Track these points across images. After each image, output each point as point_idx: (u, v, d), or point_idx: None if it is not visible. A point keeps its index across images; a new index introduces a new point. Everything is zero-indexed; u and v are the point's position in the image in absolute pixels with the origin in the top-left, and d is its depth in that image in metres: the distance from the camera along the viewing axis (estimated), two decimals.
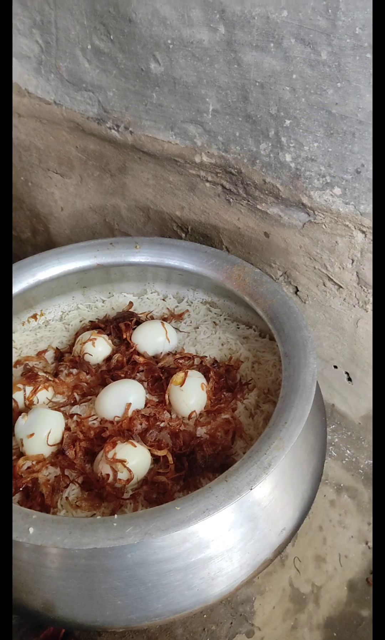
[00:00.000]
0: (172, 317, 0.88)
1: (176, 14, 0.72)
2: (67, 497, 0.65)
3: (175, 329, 0.85)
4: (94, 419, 0.73)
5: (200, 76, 0.75)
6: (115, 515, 0.53)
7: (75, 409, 0.75)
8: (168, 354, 0.81)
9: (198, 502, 0.53)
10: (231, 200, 0.85)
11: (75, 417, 0.73)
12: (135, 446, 0.66)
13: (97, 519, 0.53)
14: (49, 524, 0.53)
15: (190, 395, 0.72)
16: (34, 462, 0.69)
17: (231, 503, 0.53)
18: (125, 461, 0.64)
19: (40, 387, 0.76)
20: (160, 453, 0.67)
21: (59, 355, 0.84)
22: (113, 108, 0.88)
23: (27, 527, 0.52)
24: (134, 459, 0.65)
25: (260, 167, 0.78)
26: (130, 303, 0.90)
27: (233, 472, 0.56)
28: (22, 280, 0.80)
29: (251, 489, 0.54)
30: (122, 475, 0.64)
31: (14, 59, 0.96)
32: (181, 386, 0.72)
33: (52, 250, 0.84)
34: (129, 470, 0.64)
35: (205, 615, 0.73)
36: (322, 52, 0.64)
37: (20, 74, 0.97)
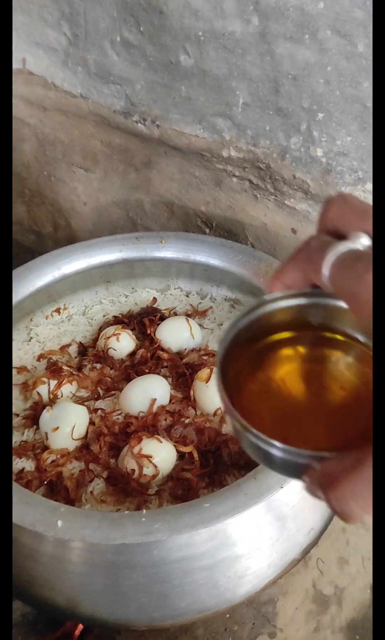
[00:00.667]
0: (195, 314, 0.87)
1: (208, 5, 0.72)
2: (91, 492, 0.65)
3: (199, 325, 0.84)
4: (119, 414, 0.73)
5: (231, 68, 0.75)
6: (144, 511, 0.53)
7: (100, 404, 0.75)
8: (192, 350, 0.81)
9: (227, 499, 0.53)
10: (258, 195, 0.84)
11: (99, 412, 0.73)
12: (160, 442, 0.65)
13: (126, 514, 0.52)
14: (77, 517, 0.52)
15: (216, 392, 0.71)
16: (58, 456, 0.68)
17: (261, 501, 0.52)
18: (151, 457, 0.63)
19: (64, 381, 0.75)
20: (185, 449, 0.66)
21: (83, 350, 0.84)
22: (140, 101, 0.88)
23: (55, 520, 0.52)
24: (160, 455, 0.64)
25: (290, 161, 0.77)
26: (154, 299, 0.89)
27: (262, 470, 0.55)
28: (48, 273, 0.80)
29: (281, 487, 0.53)
30: (148, 471, 0.63)
31: (40, 51, 0.96)
32: (206, 383, 0.71)
33: (78, 244, 0.83)
34: (155, 466, 0.63)
35: (227, 615, 0.72)
36: (359, 44, 0.63)
37: (47, 66, 0.97)
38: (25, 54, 0.98)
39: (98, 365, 0.80)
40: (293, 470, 0.30)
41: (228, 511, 0.51)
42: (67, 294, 0.90)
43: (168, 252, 0.83)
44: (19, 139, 1.14)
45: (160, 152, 0.93)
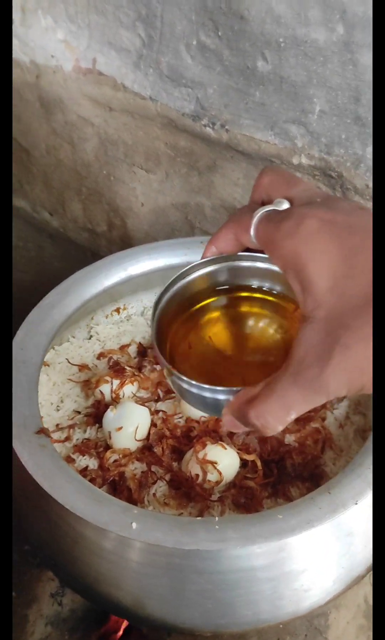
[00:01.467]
0: None
1: (292, 12, 0.71)
2: (154, 494, 0.65)
3: None
4: (180, 417, 0.73)
5: (310, 76, 0.74)
6: (216, 517, 0.53)
7: (160, 406, 0.75)
8: None
9: (300, 512, 0.52)
10: None
11: (160, 414, 0.73)
12: (225, 448, 0.65)
13: (198, 520, 0.53)
14: (150, 519, 0.52)
15: None
16: (120, 456, 0.69)
17: (335, 516, 0.52)
18: (216, 463, 0.63)
19: (126, 381, 0.76)
20: (249, 457, 0.66)
21: (142, 350, 0.84)
22: (211, 105, 0.88)
23: (129, 521, 0.52)
24: (224, 461, 0.64)
25: (364, 171, 0.76)
26: None
27: (336, 484, 0.54)
28: (114, 274, 0.80)
29: (356, 504, 0.53)
30: (212, 476, 0.63)
31: (112, 52, 0.97)
32: None
33: (143, 246, 0.84)
34: (219, 472, 0.63)
35: (280, 626, 0.72)
36: None
37: (118, 67, 0.98)
38: (96, 54, 0.99)
39: (157, 367, 0.81)
40: (217, 408, 0.36)
41: (301, 524, 0.51)
42: (128, 294, 0.90)
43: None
44: (81, 137, 1.15)
45: (226, 156, 0.93)
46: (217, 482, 0.63)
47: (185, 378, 0.36)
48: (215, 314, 0.42)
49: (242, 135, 0.87)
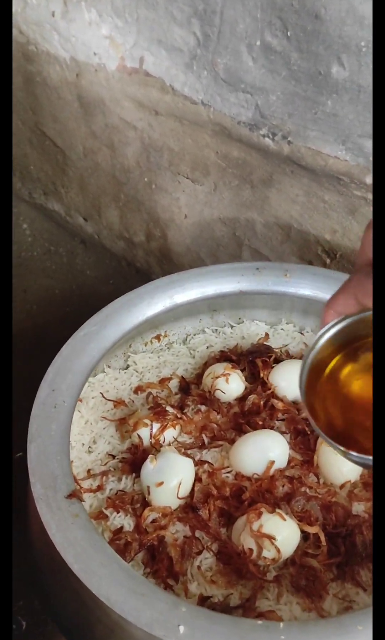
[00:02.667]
0: None
1: None
2: (199, 567, 0.57)
3: None
4: (228, 472, 0.64)
5: None
6: (281, 624, 0.44)
7: (206, 455, 0.66)
8: None
9: None
10: None
11: (206, 466, 0.65)
12: (284, 519, 0.56)
13: (260, 624, 0.44)
14: (201, 621, 0.44)
15: (346, 461, 0.61)
16: (159, 515, 0.60)
17: None
18: (274, 538, 0.54)
19: (168, 425, 0.67)
20: (311, 530, 0.57)
21: (185, 386, 0.76)
22: (273, 114, 0.78)
23: (176, 622, 0.44)
24: (281, 534, 0.55)
25: None
26: (266, 335, 0.80)
27: None
28: (159, 302, 0.72)
29: None
30: (268, 553, 0.55)
31: (162, 51, 0.88)
32: None
33: (192, 271, 0.75)
34: (277, 549, 0.54)
35: None
36: None
37: (168, 68, 0.89)
38: (144, 53, 0.91)
39: (203, 408, 0.72)
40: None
41: None
42: (170, 321, 0.82)
43: (292, 287, 0.74)
44: (122, 142, 1.07)
45: (285, 170, 0.83)
46: (274, 560, 0.55)
47: (364, 456, 0.36)
48: (348, 370, 0.40)
49: (306, 149, 0.77)
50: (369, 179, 0.72)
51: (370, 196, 0.74)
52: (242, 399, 0.72)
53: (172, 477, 0.61)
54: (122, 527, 0.60)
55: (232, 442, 0.68)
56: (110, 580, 0.46)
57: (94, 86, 1.03)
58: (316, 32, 0.68)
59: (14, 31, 1.12)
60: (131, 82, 0.96)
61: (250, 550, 0.55)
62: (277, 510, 0.57)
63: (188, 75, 0.86)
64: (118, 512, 0.61)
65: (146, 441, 0.67)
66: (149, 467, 0.63)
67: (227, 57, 0.79)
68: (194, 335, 0.84)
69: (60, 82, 1.10)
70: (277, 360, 0.75)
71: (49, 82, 1.13)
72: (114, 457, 0.69)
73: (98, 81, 1.02)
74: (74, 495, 0.52)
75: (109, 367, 0.79)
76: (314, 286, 0.73)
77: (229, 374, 0.72)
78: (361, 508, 0.59)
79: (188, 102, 0.89)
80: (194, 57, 0.84)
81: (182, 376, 0.77)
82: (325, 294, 0.73)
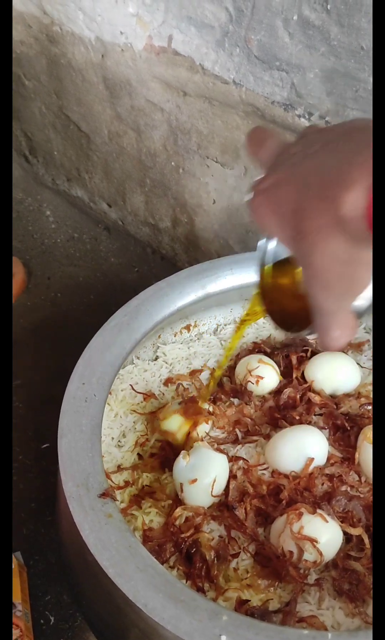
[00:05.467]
0: (349, 347, 0.75)
1: None
2: (235, 569, 0.54)
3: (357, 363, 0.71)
4: (264, 469, 0.62)
5: None
6: (329, 634, 0.41)
7: (240, 451, 0.64)
8: (348, 395, 0.68)
9: None
10: None
11: (241, 463, 0.62)
12: (326, 521, 0.53)
13: (306, 634, 0.41)
14: (244, 631, 0.42)
15: None
16: (192, 514, 0.58)
17: None
18: (316, 541, 0.52)
19: (201, 421, 0.65)
20: (354, 532, 0.54)
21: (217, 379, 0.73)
22: (310, 92, 0.74)
23: (217, 632, 0.41)
24: (324, 536, 0.53)
25: None
26: None
27: None
28: (191, 292, 0.69)
29: None
30: (310, 556, 0.52)
31: (192, 28, 0.84)
32: None
33: (224, 259, 0.72)
34: (319, 552, 0.52)
35: None
36: None
37: (197, 46, 0.85)
38: (173, 31, 0.87)
39: (235, 401, 0.69)
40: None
41: None
42: (200, 310, 0.79)
43: None
44: (149, 124, 1.03)
45: None
46: (316, 563, 0.52)
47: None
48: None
49: None
50: None
51: None
52: (277, 392, 0.69)
53: (205, 474, 0.59)
54: (151, 528, 0.57)
55: (267, 437, 0.65)
56: (147, 586, 0.44)
57: (120, 67, 1.00)
58: (358, 4, 0.64)
59: (38, 12, 1.09)
60: (159, 62, 0.92)
61: (291, 552, 0.52)
62: (319, 511, 0.54)
63: (219, 54, 0.83)
64: (147, 510, 0.59)
65: (178, 436, 0.65)
66: (182, 463, 0.60)
67: (262, 33, 0.75)
68: (225, 325, 0.81)
69: (85, 63, 1.07)
70: (313, 353, 0.72)
71: (73, 64, 1.09)
72: (144, 450, 0.67)
73: (124, 62, 0.98)
74: (107, 494, 0.50)
75: (138, 358, 0.76)
76: None
77: (261, 366, 0.70)
78: None
79: (218, 82, 0.85)
80: (225, 34, 0.80)
81: (213, 368, 0.75)
82: None
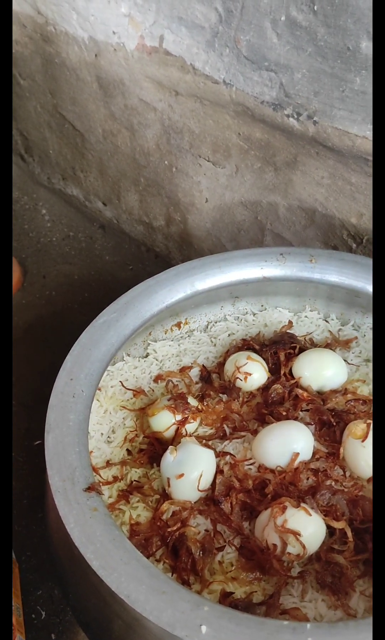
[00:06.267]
0: (336, 344, 0.75)
1: None
2: (220, 562, 0.55)
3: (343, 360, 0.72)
4: (251, 464, 0.62)
5: None
6: (308, 625, 0.42)
7: (227, 447, 0.65)
8: (335, 391, 0.69)
9: None
10: None
11: (228, 458, 0.63)
12: (310, 514, 0.54)
13: (286, 624, 0.42)
14: (225, 622, 0.42)
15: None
16: (178, 508, 0.59)
17: None
18: (299, 534, 0.53)
19: (189, 417, 0.66)
20: (337, 525, 0.55)
21: (206, 375, 0.74)
22: (298, 93, 0.75)
23: (198, 622, 0.42)
24: (307, 530, 0.53)
25: None
26: (290, 322, 0.78)
27: None
28: (180, 290, 0.70)
29: None
30: (293, 549, 0.53)
31: (182, 29, 0.84)
32: (363, 441, 0.59)
33: (213, 257, 0.73)
34: (303, 545, 0.53)
35: None
36: None
37: (189, 46, 0.86)
38: (164, 31, 0.88)
39: (224, 397, 0.70)
40: None
41: None
42: (190, 308, 0.80)
43: (317, 273, 0.71)
44: (142, 123, 1.04)
45: (310, 152, 0.80)
46: (299, 556, 0.53)
47: None
48: None
49: (333, 129, 0.74)
50: None
51: None
52: (265, 389, 0.70)
53: (192, 469, 0.60)
54: (138, 523, 0.58)
55: (254, 433, 0.66)
56: (131, 578, 0.44)
57: (113, 66, 1.01)
58: (344, 6, 0.65)
59: (32, 12, 1.10)
60: (151, 61, 0.93)
61: (275, 545, 0.53)
62: (302, 504, 0.55)
63: (209, 54, 0.83)
64: (135, 505, 0.60)
65: (166, 432, 0.66)
66: (169, 458, 0.61)
67: (251, 34, 0.76)
68: (215, 322, 0.82)
69: (79, 62, 1.08)
70: (301, 350, 0.73)
71: (67, 64, 1.10)
72: (133, 446, 0.67)
73: (117, 61, 0.99)
74: (93, 488, 0.51)
75: (129, 355, 0.77)
76: (341, 272, 0.71)
77: (248, 363, 0.70)
78: None
79: (209, 82, 0.86)
80: (215, 35, 0.81)
81: (203, 365, 0.75)
82: (351, 281, 0.70)
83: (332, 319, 0.80)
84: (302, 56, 0.72)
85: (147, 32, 0.90)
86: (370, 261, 0.71)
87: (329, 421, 0.64)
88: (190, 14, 0.82)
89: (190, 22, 0.83)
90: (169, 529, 0.57)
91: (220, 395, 0.71)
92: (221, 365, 0.75)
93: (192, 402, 0.67)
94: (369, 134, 0.71)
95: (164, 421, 0.66)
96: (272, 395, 0.68)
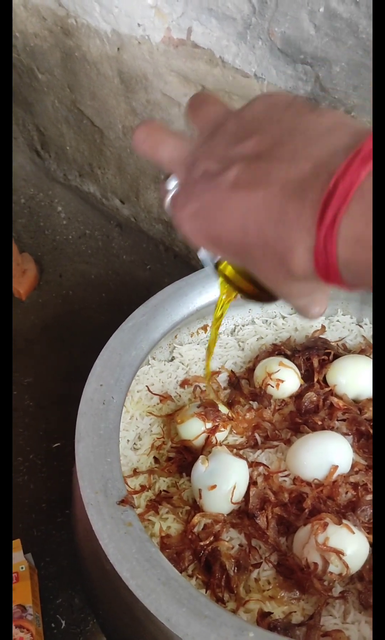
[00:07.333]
0: (371, 350, 0.72)
1: None
2: (257, 579, 0.53)
3: None
4: (285, 476, 0.60)
5: None
6: None
7: (260, 457, 0.62)
8: (372, 400, 0.66)
9: None
10: None
11: (261, 469, 0.60)
12: (352, 532, 0.51)
13: None
14: None
15: None
16: (210, 521, 0.56)
17: None
18: (342, 553, 0.50)
19: (220, 426, 0.63)
20: None
21: (235, 381, 0.71)
22: (336, 87, 0.72)
23: None
24: (350, 548, 0.51)
25: None
26: (323, 327, 0.75)
27: None
28: (211, 292, 0.67)
29: None
30: (335, 568, 0.50)
31: (213, 20, 0.81)
32: None
33: None
34: (345, 565, 0.50)
35: None
36: None
37: (218, 38, 0.83)
38: (192, 23, 0.85)
39: (254, 405, 0.67)
40: None
41: None
42: None
43: None
44: (165, 119, 1.01)
45: None
46: (341, 576, 0.50)
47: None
48: None
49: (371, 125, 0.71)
50: None
51: None
52: (297, 396, 0.68)
53: (225, 480, 0.57)
54: (168, 535, 0.56)
55: (287, 442, 0.63)
56: (170, 599, 0.42)
57: (137, 60, 0.98)
58: None
59: (53, 4, 1.07)
60: (177, 54, 0.90)
61: (315, 564, 0.50)
62: (344, 521, 0.52)
63: (240, 46, 0.80)
64: (164, 516, 0.57)
65: (195, 440, 0.63)
66: (201, 468, 0.59)
67: (286, 26, 0.73)
68: (243, 326, 0.79)
69: (100, 56, 1.05)
70: (335, 356, 0.70)
71: (88, 57, 1.07)
72: (161, 454, 0.65)
73: (141, 55, 0.96)
74: (126, 501, 0.48)
75: (154, 359, 0.74)
76: None
77: (281, 370, 0.68)
78: None
79: (239, 75, 0.83)
80: (247, 26, 0.78)
81: (231, 370, 0.73)
82: None
83: (366, 324, 0.77)
84: (341, 49, 0.69)
85: (175, 24, 0.87)
86: None
87: (367, 432, 0.62)
88: (221, 4, 0.79)
89: (220, 14, 0.80)
90: (201, 543, 0.54)
91: (250, 402, 0.68)
92: (250, 370, 0.72)
93: (223, 409, 0.64)
94: None
95: (193, 429, 0.63)
96: (306, 404, 0.66)
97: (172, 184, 0.33)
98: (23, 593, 0.71)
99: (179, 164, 0.33)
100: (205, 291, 0.67)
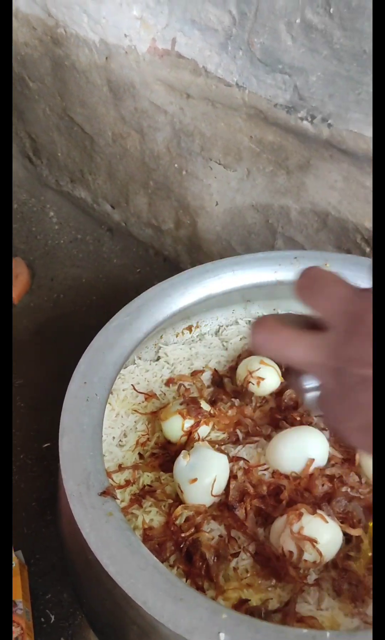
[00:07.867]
0: None
1: None
2: (235, 568, 0.55)
3: None
4: (264, 469, 0.62)
5: None
6: (328, 633, 0.42)
7: (241, 452, 0.64)
8: None
9: None
10: None
11: (241, 463, 0.62)
12: (326, 521, 0.53)
13: (305, 633, 0.42)
14: (243, 629, 0.42)
15: None
16: (192, 513, 0.58)
17: None
18: (315, 541, 0.52)
19: (202, 422, 0.65)
20: (353, 532, 0.54)
21: (218, 380, 0.73)
22: (312, 95, 0.75)
23: (216, 630, 0.41)
24: (324, 537, 0.53)
25: None
26: None
27: None
28: (192, 293, 0.69)
29: None
30: (309, 556, 0.52)
31: (195, 31, 0.84)
32: None
33: (226, 260, 0.73)
34: (319, 553, 0.52)
35: None
36: None
37: (201, 49, 0.85)
38: (176, 34, 0.87)
39: (236, 402, 0.70)
40: None
41: None
42: (202, 311, 0.79)
43: None
44: (152, 126, 1.04)
45: (323, 155, 0.80)
46: (315, 563, 0.52)
47: None
48: None
49: (347, 132, 0.73)
50: None
51: None
52: (278, 393, 0.70)
53: (206, 474, 0.59)
54: (151, 527, 0.58)
55: (267, 438, 0.65)
56: (148, 584, 0.44)
57: (124, 69, 1.01)
58: (361, 8, 0.64)
59: (42, 14, 1.09)
60: (162, 64, 0.93)
61: (291, 552, 0.53)
62: (319, 511, 0.54)
63: (222, 56, 0.83)
64: (148, 509, 0.60)
65: (178, 436, 0.65)
66: (183, 463, 0.61)
67: (265, 37, 0.76)
68: (227, 326, 0.81)
69: (89, 65, 1.07)
70: None
71: (77, 66, 1.10)
72: (145, 450, 0.67)
73: (128, 64, 0.99)
74: (108, 492, 0.50)
75: (140, 358, 0.77)
76: (356, 277, 0.69)
77: (261, 368, 0.70)
78: None
79: (221, 84, 0.86)
80: (229, 37, 0.81)
81: (214, 369, 0.75)
82: (367, 285, 0.69)
83: None
84: (317, 59, 0.72)
85: (160, 35, 0.90)
86: None
87: None
88: (204, 16, 0.82)
89: (203, 25, 0.83)
90: (182, 534, 0.56)
91: (233, 399, 0.70)
92: (233, 369, 0.74)
93: (205, 406, 0.66)
94: None
95: (176, 425, 0.66)
96: (286, 400, 0.68)
97: (312, 383, 0.31)
98: (14, 589, 0.73)
99: (319, 368, 0.30)
100: (188, 292, 0.69)
